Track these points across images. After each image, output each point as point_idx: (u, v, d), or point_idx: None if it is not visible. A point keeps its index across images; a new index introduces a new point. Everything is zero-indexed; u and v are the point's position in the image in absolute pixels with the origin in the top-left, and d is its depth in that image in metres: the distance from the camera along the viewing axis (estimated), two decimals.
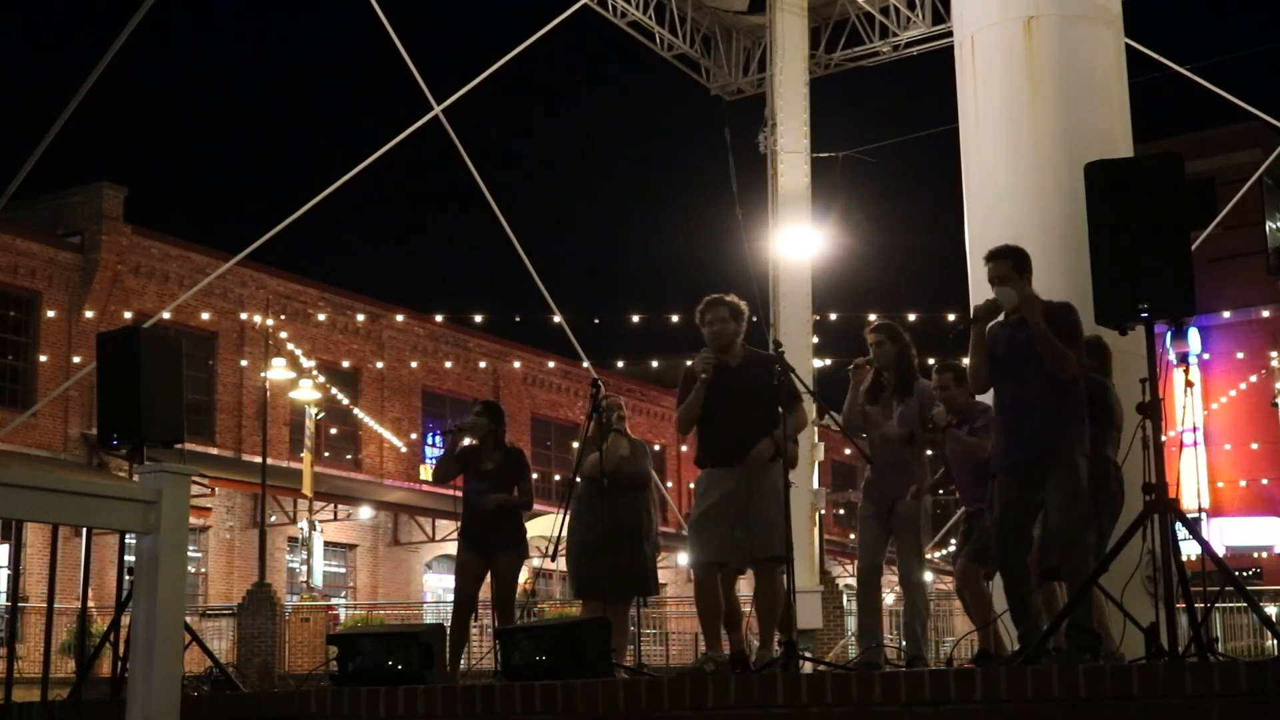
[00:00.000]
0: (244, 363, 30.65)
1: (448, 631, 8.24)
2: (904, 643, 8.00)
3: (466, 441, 9.40)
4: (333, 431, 32.72)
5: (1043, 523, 7.05)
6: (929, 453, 8.40)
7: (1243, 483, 35.55)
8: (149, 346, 8.39)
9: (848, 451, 37.62)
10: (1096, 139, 9.38)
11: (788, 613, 7.57)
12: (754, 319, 8.23)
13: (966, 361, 7.47)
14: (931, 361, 8.82)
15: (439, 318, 33.11)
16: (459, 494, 9.28)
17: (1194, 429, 34.34)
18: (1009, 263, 7.13)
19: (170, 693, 4.36)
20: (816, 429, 19.65)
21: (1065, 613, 6.50)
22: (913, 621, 7.91)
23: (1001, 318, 7.22)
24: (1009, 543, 7.06)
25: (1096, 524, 7.22)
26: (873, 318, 9.06)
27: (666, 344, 38.03)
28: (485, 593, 9.54)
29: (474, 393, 36.07)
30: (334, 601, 30.22)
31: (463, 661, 9.59)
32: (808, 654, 8.34)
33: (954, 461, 8.36)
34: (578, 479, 9.08)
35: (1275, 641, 12.65)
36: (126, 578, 9.73)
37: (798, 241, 20.13)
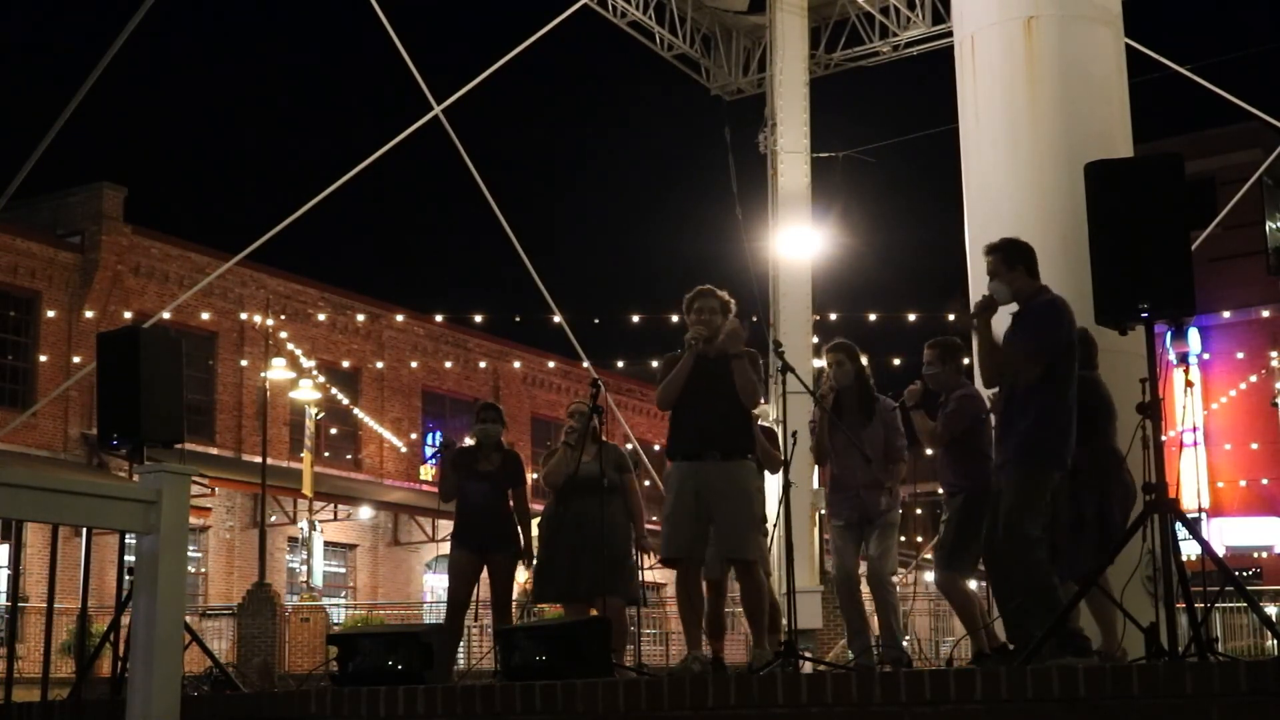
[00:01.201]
0: (244, 363, 30.66)
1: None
2: (882, 642, 8.00)
3: (468, 441, 9.42)
4: (333, 431, 32.73)
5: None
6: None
7: (1243, 483, 35.53)
8: (149, 346, 8.39)
9: None
10: (1096, 139, 9.39)
11: (774, 613, 7.56)
12: (754, 319, 8.22)
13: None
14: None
15: (439, 318, 33.10)
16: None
17: (1194, 429, 34.33)
18: (999, 256, 7.13)
19: (170, 693, 4.36)
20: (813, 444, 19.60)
21: (1054, 628, 6.46)
22: (889, 618, 7.92)
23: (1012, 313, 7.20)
24: (992, 540, 7.05)
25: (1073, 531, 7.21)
26: (872, 317, 9.08)
27: (666, 344, 37.90)
28: (484, 593, 9.54)
29: (474, 393, 36.06)
30: (334, 601, 30.26)
31: (462, 661, 9.60)
32: (807, 654, 8.35)
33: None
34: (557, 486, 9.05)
35: (1275, 641, 12.67)
36: (126, 578, 9.73)
37: (798, 241, 20.12)
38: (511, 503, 9.17)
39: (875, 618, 8.37)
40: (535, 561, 8.99)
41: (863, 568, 8.18)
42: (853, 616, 8.09)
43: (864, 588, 8.27)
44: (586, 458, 8.61)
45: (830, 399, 8.12)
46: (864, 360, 8.24)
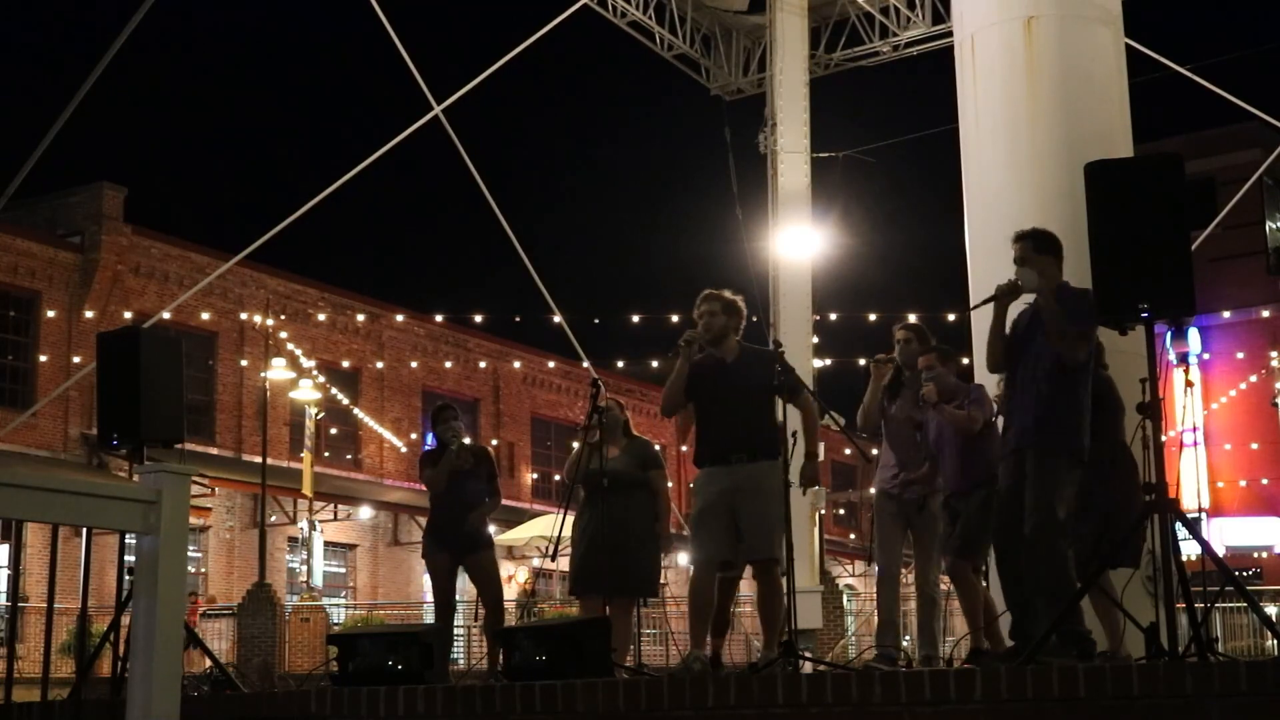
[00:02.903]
0: (244, 363, 30.65)
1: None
2: (919, 643, 7.98)
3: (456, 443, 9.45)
4: (333, 431, 32.72)
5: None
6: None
7: (1243, 483, 35.53)
8: (149, 346, 8.39)
9: (848, 451, 37.60)
10: (1096, 139, 9.39)
11: (784, 613, 7.54)
12: (754, 319, 8.18)
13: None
14: None
15: (439, 318, 33.10)
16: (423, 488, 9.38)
17: (1194, 429, 34.32)
18: (1029, 243, 7.18)
19: (170, 693, 4.36)
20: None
21: (1059, 621, 6.46)
22: (930, 623, 7.89)
23: (1028, 302, 7.22)
24: (1004, 533, 7.06)
25: (1095, 521, 7.21)
26: (872, 317, 9.06)
27: (666, 344, 37.87)
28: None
29: (474, 393, 36.10)
30: (334, 601, 30.27)
31: (462, 661, 9.62)
32: (808, 654, 8.33)
33: (937, 439, 8.28)
34: (576, 482, 9.06)
35: (1275, 641, 12.67)
36: (126, 578, 9.73)
37: (798, 241, 20.12)
38: (487, 499, 9.25)
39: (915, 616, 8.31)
40: (571, 559, 8.96)
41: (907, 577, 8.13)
42: (887, 608, 8.02)
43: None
44: (615, 452, 8.64)
45: (889, 371, 8.08)
46: (933, 343, 8.19)
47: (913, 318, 22.79)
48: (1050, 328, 6.91)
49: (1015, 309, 7.23)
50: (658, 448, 9.59)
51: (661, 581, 8.67)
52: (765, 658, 7.33)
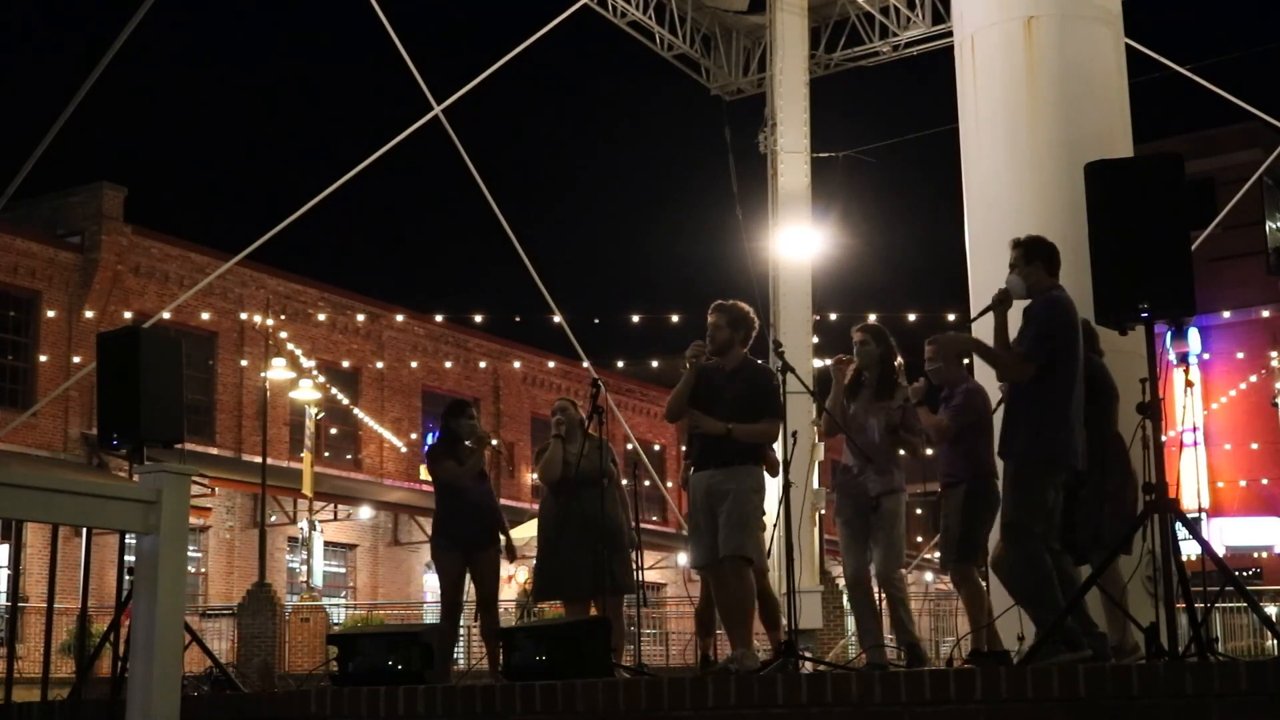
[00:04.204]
0: (244, 363, 30.65)
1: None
2: (896, 640, 7.98)
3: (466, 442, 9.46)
4: (333, 431, 32.72)
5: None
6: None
7: (1243, 483, 35.52)
8: (149, 346, 8.40)
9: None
10: (1096, 139, 9.39)
11: (775, 610, 7.58)
12: (757, 322, 8.20)
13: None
14: None
15: (439, 318, 33.10)
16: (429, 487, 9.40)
17: (1194, 429, 34.32)
18: (1020, 251, 7.22)
19: (170, 693, 4.36)
20: (816, 429, 19.63)
21: (1055, 625, 6.47)
22: (899, 615, 7.90)
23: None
24: None
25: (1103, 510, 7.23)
26: (872, 318, 9.04)
27: (666, 344, 37.95)
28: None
29: (474, 393, 36.06)
30: (334, 601, 30.27)
31: (463, 662, 9.63)
32: (808, 654, 8.33)
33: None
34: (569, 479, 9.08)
35: (1275, 641, 12.66)
36: (126, 578, 9.73)
37: (798, 241, 20.11)
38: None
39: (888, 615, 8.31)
40: (536, 559, 9.02)
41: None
42: (863, 615, 8.05)
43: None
44: (576, 450, 8.66)
45: (848, 373, 8.08)
46: (892, 343, 8.16)
47: (912, 317, 22.88)
48: (995, 353, 6.96)
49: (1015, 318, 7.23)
50: (657, 448, 9.64)
51: (661, 582, 8.69)
52: (736, 659, 7.38)
